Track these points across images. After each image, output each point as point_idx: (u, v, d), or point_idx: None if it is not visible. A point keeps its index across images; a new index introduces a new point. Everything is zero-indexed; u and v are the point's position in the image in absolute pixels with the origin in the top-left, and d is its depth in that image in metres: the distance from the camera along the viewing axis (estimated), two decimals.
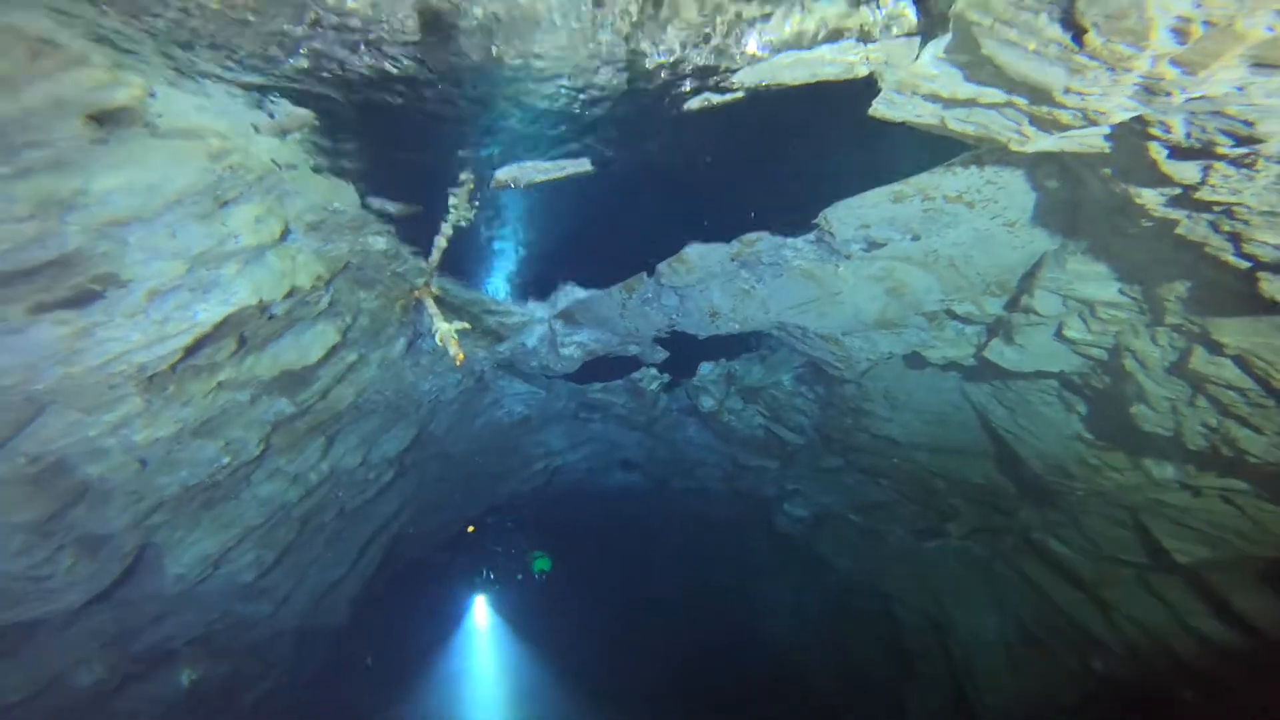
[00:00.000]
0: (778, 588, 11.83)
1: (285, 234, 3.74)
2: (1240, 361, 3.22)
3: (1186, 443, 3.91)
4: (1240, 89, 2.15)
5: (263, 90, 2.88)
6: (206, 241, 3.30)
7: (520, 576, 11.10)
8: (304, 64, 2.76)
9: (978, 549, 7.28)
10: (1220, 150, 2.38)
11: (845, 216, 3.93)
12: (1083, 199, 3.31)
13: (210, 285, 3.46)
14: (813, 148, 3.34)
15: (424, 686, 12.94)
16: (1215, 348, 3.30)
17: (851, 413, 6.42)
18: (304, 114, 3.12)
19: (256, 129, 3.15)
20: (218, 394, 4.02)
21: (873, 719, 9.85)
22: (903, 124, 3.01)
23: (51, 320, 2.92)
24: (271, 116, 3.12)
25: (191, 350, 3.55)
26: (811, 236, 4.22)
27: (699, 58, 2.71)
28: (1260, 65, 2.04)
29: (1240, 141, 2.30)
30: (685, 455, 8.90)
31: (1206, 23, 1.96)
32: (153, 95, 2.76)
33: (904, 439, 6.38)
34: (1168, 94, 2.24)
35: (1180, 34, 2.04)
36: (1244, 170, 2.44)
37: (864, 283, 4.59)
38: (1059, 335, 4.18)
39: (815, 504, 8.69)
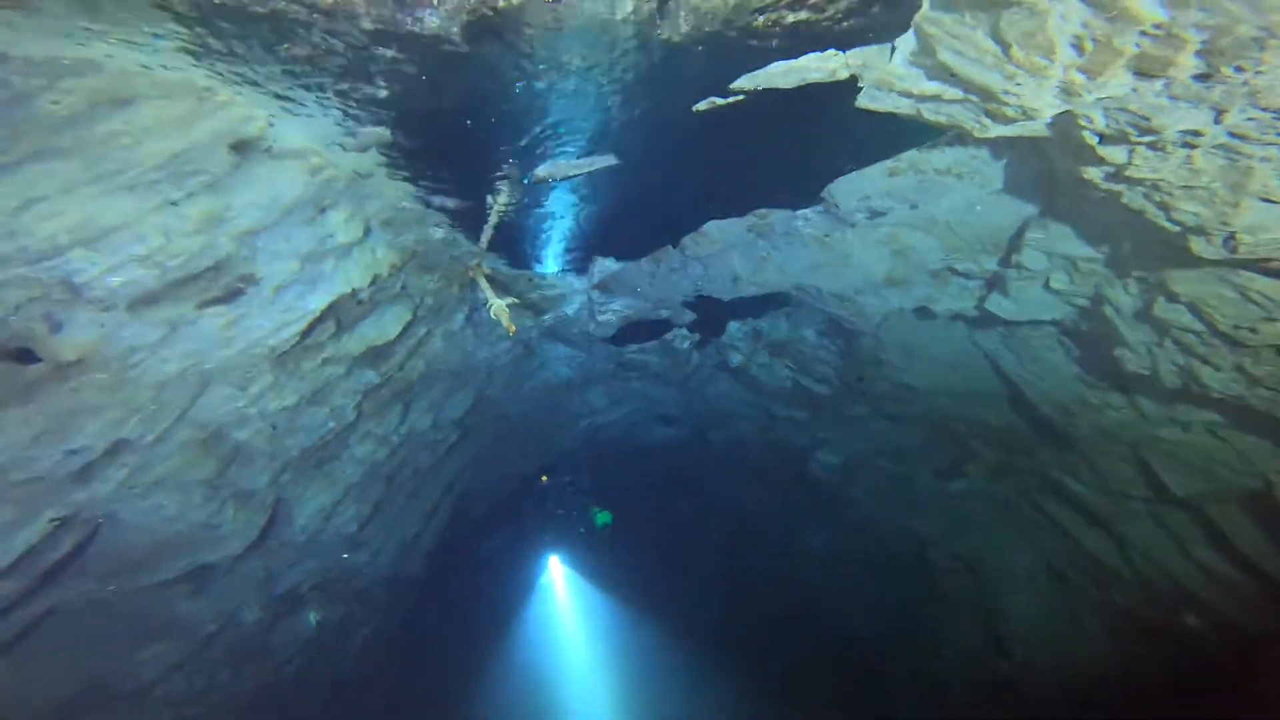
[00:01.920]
0: (814, 533, 12.68)
1: (367, 232, 4.66)
2: (1192, 308, 3.78)
3: (1164, 381, 4.47)
4: (1134, 90, 2.71)
5: (348, 114, 3.70)
6: (311, 243, 4.24)
7: (583, 531, 12.16)
8: (382, 93, 3.57)
9: (1002, 490, 7.87)
10: (1133, 138, 2.94)
11: (847, 190, 4.56)
12: (1053, 171, 3.84)
13: (316, 279, 4.43)
14: (811, 135, 3.98)
15: (506, 630, 14.57)
16: (1172, 296, 3.86)
17: (871, 363, 7.07)
18: (381, 131, 3.95)
19: (343, 147, 4.02)
20: (322, 368, 5.08)
21: (908, 657, 10.68)
22: (887, 113, 3.62)
23: (212, 313, 3.94)
24: (354, 136, 3.98)
25: (306, 333, 4.57)
26: (819, 209, 4.86)
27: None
28: (1140, 74, 2.61)
29: (1144, 132, 2.86)
30: (719, 409, 9.75)
31: (1094, 39, 2.54)
32: (272, 125, 3.64)
33: (922, 386, 7.01)
34: (1079, 95, 2.82)
35: (1078, 48, 2.63)
36: (1159, 153, 2.99)
37: (871, 246, 5.21)
38: (1047, 287, 4.74)
39: (845, 451, 9.42)
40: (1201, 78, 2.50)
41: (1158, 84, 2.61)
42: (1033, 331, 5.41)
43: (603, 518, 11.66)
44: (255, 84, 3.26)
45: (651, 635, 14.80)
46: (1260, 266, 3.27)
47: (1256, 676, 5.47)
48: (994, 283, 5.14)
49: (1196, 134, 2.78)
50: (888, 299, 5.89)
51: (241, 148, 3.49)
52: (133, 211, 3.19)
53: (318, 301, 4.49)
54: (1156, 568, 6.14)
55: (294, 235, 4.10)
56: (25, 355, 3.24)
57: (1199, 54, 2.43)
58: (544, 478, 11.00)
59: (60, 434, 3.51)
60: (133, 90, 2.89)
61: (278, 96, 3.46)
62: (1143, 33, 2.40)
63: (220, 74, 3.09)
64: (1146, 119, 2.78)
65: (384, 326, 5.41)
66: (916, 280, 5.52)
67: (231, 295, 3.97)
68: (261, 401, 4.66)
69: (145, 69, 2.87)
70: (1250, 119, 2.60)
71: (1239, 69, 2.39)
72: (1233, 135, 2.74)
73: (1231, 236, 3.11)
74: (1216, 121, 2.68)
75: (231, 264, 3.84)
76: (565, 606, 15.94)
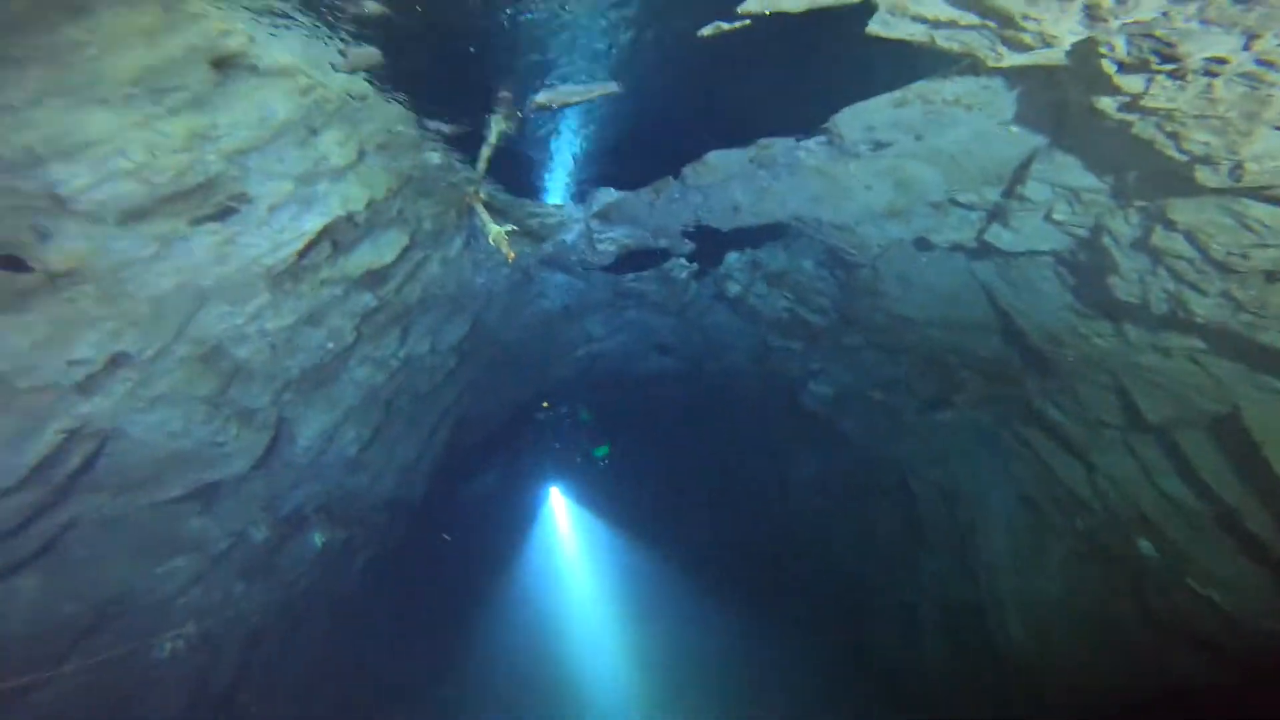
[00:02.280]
0: (803, 463, 13.16)
1: (361, 155, 4.53)
2: (1189, 236, 3.82)
3: (1152, 308, 4.57)
4: (1164, 14, 2.61)
5: (336, 32, 3.54)
6: (305, 164, 4.15)
7: (580, 460, 12.47)
8: (371, 8, 3.40)
9: (985, 419, 8.12)
10: (1154, 66, 2.85)
11: (852, 121, 4.43)
12: (1065, 101, 3.73)
13: (311, 200, 4.36)
14: (818, 63, 3.81)
15: (503, 557, 15.23)
16: (1170, 225, 3.88)
17: (868, 294, 7.11)
18: (371, 51, 3.78)
19: (333, 66, 3.86)
20: (320, 289, 5.08)
21: (886, 582, 11.33)
22: (898, 40, 3.46)
23: (205, 231, 3.90)
24: (344, 56, 3.81)
25: (302, 254, 4.54)
26: (822, 139, 4.73)
27: None
28: None
29: (1166, 59, 2.77)
30: (716, 339, 9.85)
31: None
32: (253, 41, 3.48)
33: (918, 316, 7.08)
34: (1105, 20, 2.70)
35: None
36: (1178, 82, 2.91)
37: (873, 177, 5.11)
38: (1048, 218, 4.72)
39: (838, 382, 9.61)
40: (1240, 0, 2.40)
41: (1191, 7, 2.51)
42: (1029, 262, 5.43)
43: (600, 450, 11.93)
44: None
45: (644, 561, 15.58)
46: (1262, 194, 3.29)
47: (1195, 598, 5.88)
48: (995, 214, 5.10)
49: (1221, 61, 2.70)
50: (887, 230, 5.85)
51: (223, 64, 3.35)
52: (112, 126, 3.09)
53: (313, 223, 4.44)
54: (1122, 495, 6.45)
55: (286, 156, 4.00)
56: (15, 263, 3.24)
57: None
58: (545, 404, 11.17)
59: (60, 343, 3.56)
60: None
61: (256, 10, 3.28)
62: None
63: None
64: (1172, 45, 2.69)
65: (381, 250, 5.36)
66: (917, 211, 5.46)
67: (224, 213, 3.91)
68: (259, 320, 4.69)
69: None
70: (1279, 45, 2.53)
71: None
72: (1260, 62, 2.66)
73: (1239, 165, 3.10)
74: (1245, 48, 2.60)
75: (222, 182, 3.76)
76: (562, 534, 16.66)
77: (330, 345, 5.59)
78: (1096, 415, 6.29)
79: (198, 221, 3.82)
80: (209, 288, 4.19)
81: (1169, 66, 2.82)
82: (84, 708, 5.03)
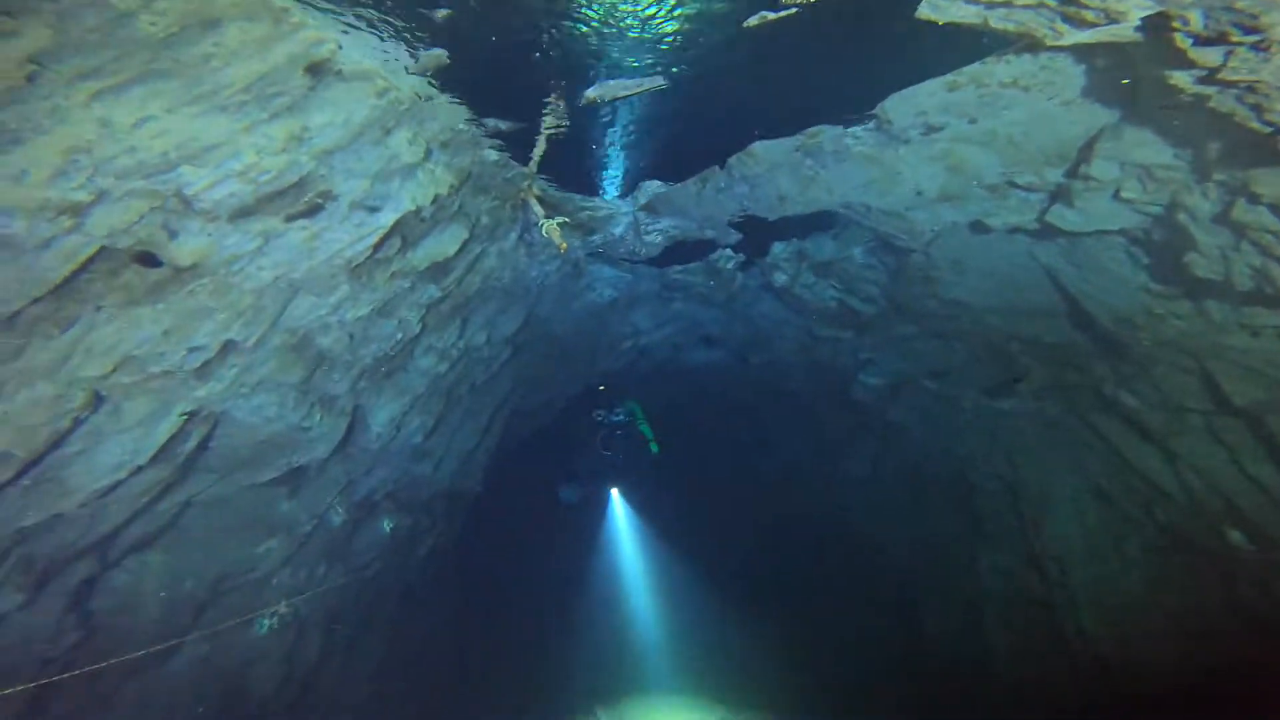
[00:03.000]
0: (854, 457, 12.99)
1: (428, 153, 4.86)
2: (1273, 208, 3.73)
3: (1235, 284, 4.45)
4: None
5: (410, 37, 3.85)
6: (380, 162, 4.50)
7: (623, 458, 12.25)
8: (441, 14, 3.68)
9: (1051, 408, 7.88)
10: (1234, 38, 2.84)
11: (901, 106, 4.47)
12: (1136, 77, 3.70)
13: (385, 196, 4.71)
14: (865, 49, 3.90)
15: (553, 550, 15.52)
16: (1254, 198, 3.80)
17: (921, 281, 7.07)
18: (439, 54, 4.08)
19: (405, 69, 4.18)
20: (391, 281, 5.46)
21: (942, 576, 11.08)
22: (950, 24, 3.52)
23: (297, 227, 4.29)
24: (415, 58, 4.13)
25: (377, 247, 4.91)
26: (871, 125, 4.79)
27: None
28: None
29: (1249, 30, 2.76)
30: (762, 330, 9.91)
31: None
32: (340, 48, 3.82)
33: (974, 302, 6.99)
34: None
35: None
36: (1261, 54, 2.89)
37: (924, 162, 5.13)
38: (1116, 197, 4.64)
39: (890, 372, 9.53)
40: None
41: None
42: (1097, 242, 5.31)
43: (652, 447, 11.65)
44: (327, 7, 3.42)
45: (689, 559, 15.63)
46: None
47: None
48: (1058, 194, 5.04)
49: None
50: (941, 214, 5.83)
51: (315, 70, 3.69)
52: (228, 130, 3.47)
53: (386, 218, 4.80)
54: (1206, 483, 6.19)
55: (365, 155, 4.35)
56: (150, 259, 3.68)
57: None
58: (601, 388, 11.17)
59: (183, 332, 4.00)
60: (217, 11, 3.10)
61: (344, 18, 3.61)
62: None
63: None
64: (1255, 16, 2.68)
65: (444, 243, 5.71)
66: (972, 195, 5.43)
67: (313, 210, 4.30)
68: (340, 310, 5.10)
69: None
70: None
71: None
72: None
73: None
74: None
75: (312, 181, 4.13)
76: (610, 532, 16.87)
77: (400, 335, 5.99)
78: (1177, 401, 6.05)
79: (291, 218, 4.21)
80: (299, 280, 4.60)
81: (1252, 38, 2.81)
82: (203, 680, 5.55)
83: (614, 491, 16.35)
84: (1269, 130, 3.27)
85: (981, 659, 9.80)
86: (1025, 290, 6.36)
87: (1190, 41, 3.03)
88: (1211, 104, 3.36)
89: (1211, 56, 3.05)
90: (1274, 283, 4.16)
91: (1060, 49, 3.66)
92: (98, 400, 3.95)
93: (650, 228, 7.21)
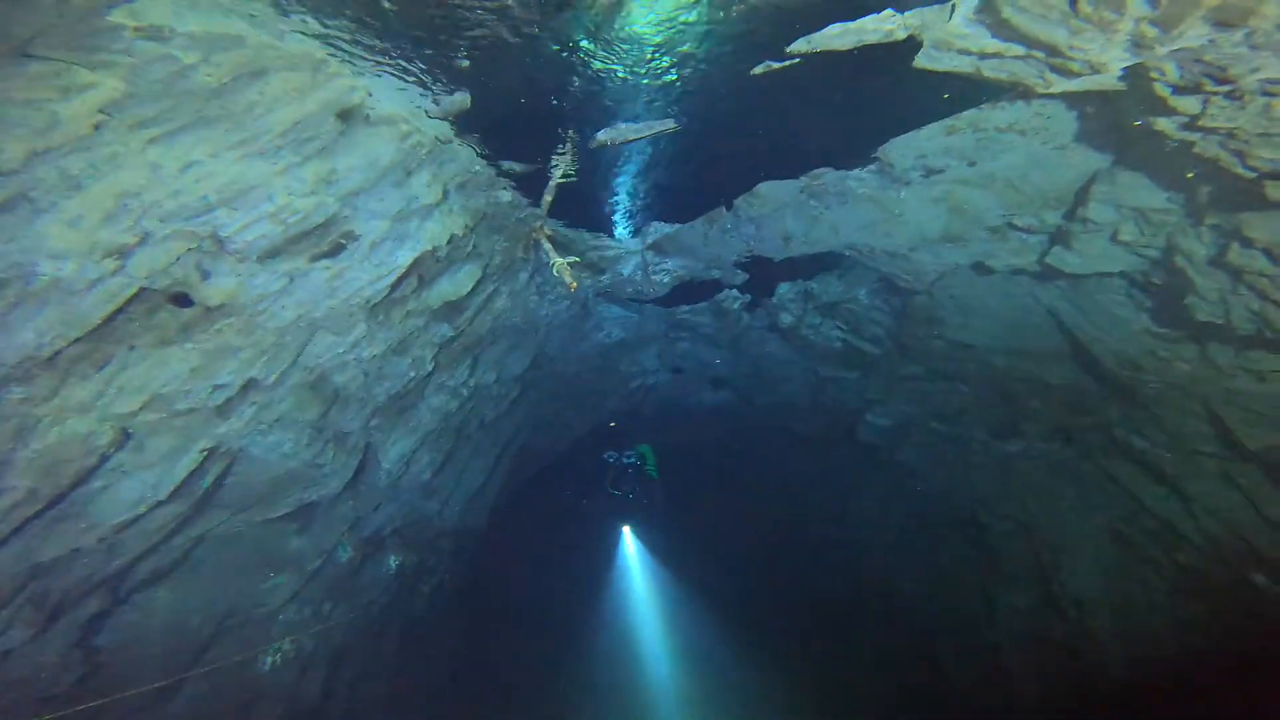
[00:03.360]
0: (863, 499, 12.86)
1: (445, 195, 5.08)
2: (1268, 252, 3.85)
3: (1236, 328, 4.53)
4: (1211, 41, 2.80)
5: (435, 83, 4.08)
6: (400, 203, 4.69)
7: (630, 495, 12.12)
8: (464, 64, 3.92)
9: (1062, 450, 7.91)
10: (1208, 88, 3.03)
11: (902, 150, 4.69)
12: (1124, 123, 3.90)
13: (404, 236, 4.90)
14: (866, 96, 4.13)
15: (560, 590, 15.25)
16: (1247, 242, 3.92)
17: (925, 322, 7.19)
18: (461, 99, 4.32)
19: (427, 114, 4.42)
20: (406, 320, 5.60)
21: (959, 620, 10.81)
22: (945, 72, 3.75)
23: (321, 266, 4.46)
24: (438, 104, 4.37)
25: (394, 287, 5.07)
26: (873, 168, 5.01)
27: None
28: (1220, 24, 2.70)
29: (1220, 81, 2.95)
30: (769, 371, 10.00)
31: None
32: (370, 94, 4.05)
33: (979, 344, 7.10)
34: (1151, 48, 2.92)
35: (1152, 1, 2.73)
36: (1236, 102, 3.07)
37: (926, 204, 5.33)
38: (1114, 239, 4.80)
39: (897, 413, 9.57)
40: None
41: (1238, 34, 2.71)
42: (1098, 285, 5.45)
43: (651, 468, 11.57)
44: (361, 56, 3.66)
45: (698, 601, 15.35)
46: None
47: None
48: (1057, 237, 5.20)
49: (1277, 82, 2.86)
50: (943, 256, 6.00)
51: (346, 115, 3.92)
52: (264, 174, 3.68)
53: (404, 257, 4.97)
54: (1224, 526, 6.16)
55: (387, 196, 4.56)
56: (183, 299, 3.82)
57: None
58: (611, 424, 11.20)
59: (209, 370, 4.12)
60: (266, 63, 3.34)
61: (377, 66, 3.86)
62: None
63: (335, 47, 3.51)
64: (1223, 69, 2.87)
65: (458, 283, 5.89)
66: (974, 236, 5.61)
67: (336, 250, 4.47)
68: (357, 349, 5.22)
69: (276, 43, 3.31)
70: None
71: None
72: None
73: None
74: None
75: (337, 222, 4.33)
76: (619, 571, 16.63)
77: (413, 374, 6.10)
78: (1188, 444, 6.10)
79: (315, 258, 4.38)
80: (319, 319, 4.74)
81: (1224, 88, 2.99)
82: (205, 717, 5.44)
83: (625, 529, 16.18)
84: (1253, 175, 3.42)
85: (1006, 705, 9.49)
86: (1029, 332, 6.47)
87: (1170, 90, 3.23)
88: (1196, 149, 3.54)
89: (1191, 105, 3.24)
90: (1274, 326, 4.24)
91: (1051, 96, 3.87)
92: (125, 437, 4.04)
93: (658, 267, 7.41)
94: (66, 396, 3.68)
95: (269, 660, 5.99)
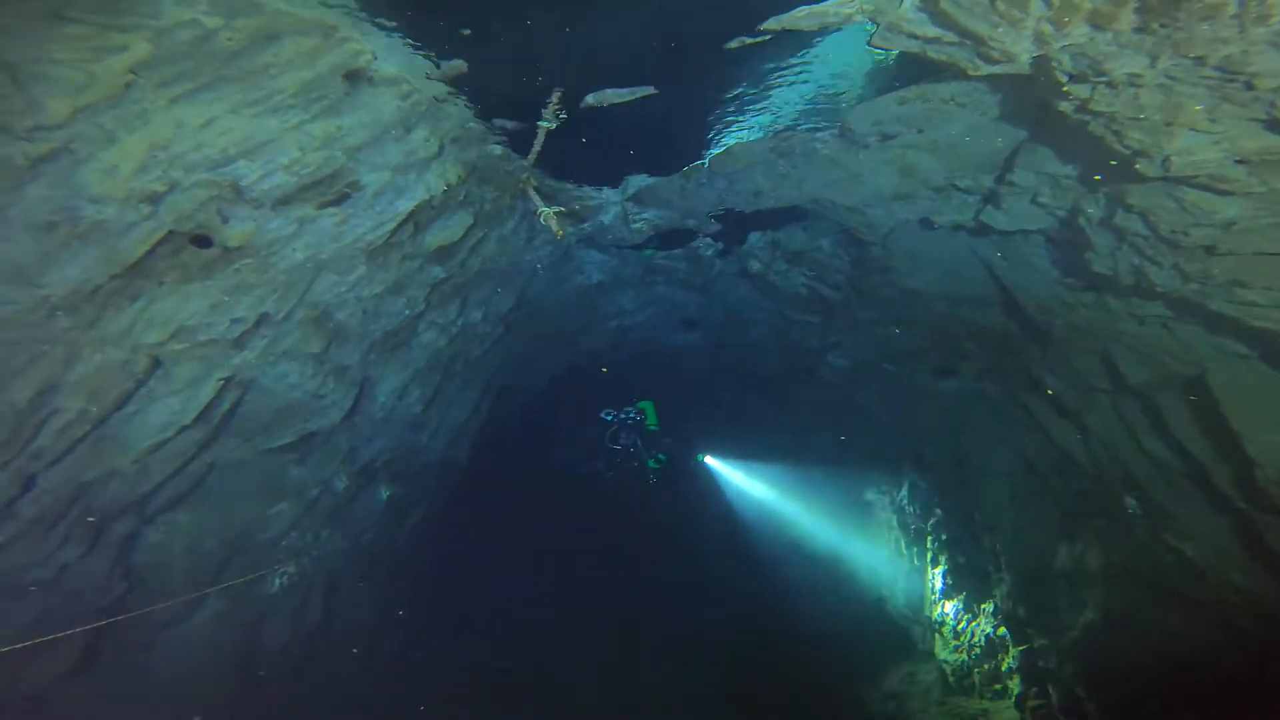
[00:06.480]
0: (822, 439, 13.92)
1: (441, 149, 5.46)
2: (1143, 216, 4.55)
3: (1121, 279, 5.28)
4: (1091, 39, 3.37)
5: (436, 49, 4.44)
6: (400, 157, 5.09)
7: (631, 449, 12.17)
8: (464, 31, 4.28)
9: (991, 389, 8.80)
10: (1092, 78, 3.60)
11: (861, 116, 5.20)
12: (1038, 103, 4.47)
13: (403, 187, 5.31)
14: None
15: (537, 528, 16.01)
16: (1128, 208, 4.62)
17: (880, 270, 7.87)
18: (459, 64, 4.68)
19: (428, 75, 4.77)
20: (403, 263, 6.07)
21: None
22: (897, 52, 4.23)
23: (328, 214, 4.89)
24: (438, 67, 4.72)
25: (393, 232, 5.51)
26: (835, 131, 5.51)
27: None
28: (1095, 25, 3.26)
29: (1099, 73, 3.53)
30: (738, 314, 10.67)
31: None
32: (375, 58, 4.39)
33: (925, 290, 7.83)
34: (1049, 42, 3.47)
35: (1047, 2, 3.27)
36: (1112, 90, 3.66)
37: (881, 165, 5.88)
38: (1034, 201, 5.45)
39: (854, 354, 10.39)
40: (1138, 30, 3.16)
41: (1108, 34, 3.27)
42: (1022, 240, 6.15)
43: (652, 463, 11.64)
44: (369, 22, 4.00)
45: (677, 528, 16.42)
46: (1190, 182, 4.02)
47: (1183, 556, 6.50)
48: (989, 197, 5.84)
49: (1138, 75, 3.45)
50: (895, 211, 6.60)
51: (352, 77, 4.28)
52: (277, 129, 4.06)
53: (404, 206, 5.41)
54: (1110, 455, 7.13)
55: (388, 150, 4.95)
56: (204, 241, 4.26)
57: (1135, 10, 3.08)
58: (603, 369, 11.41)
59: (228, 305, 4.60)
60: (281, 28, 3.68)
61: (384, 32, 4.19)
62: None
63: (347, 13, 3.84)
64: (1100, 62, 3.44)
65: (451, 229, 6.33)
66: (921, 195, 6.21)
67: (342, 199, 4.89)
68: (358, 288, 5.70)
69: (291, 10, 3.64)
70: (1176, 64, 3.27)
71: (1163, 24, 3.05)
72: (1168, 77, 3.41)
73: (1166, 159, 3.84)
74: (1152, 65, 3.35)
75: (343, 174, 4.73)
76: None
77: (407, 312, 6.60)
78: (1088, 380, 6.94)
79: (323, 206, 4.81)
80: (325, 260, 5.20)
81: (1103, 79, 3.58)
82: (222, 633, 6.15)
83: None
84: (1128, 153, 4.06)
85: None
86: (967, 281, 7.20)
87: (1067, 78, 3.79)
88: (1090, 129, 4.15)
89: (1083, 91, 3.81)
90: (1147, 278, 5.01)
91: (981, 78, 4.40)
92: (155, 365, 4.53)
93: (637, 217, 7.88)
94: (105, 327, 4.15)
95: (275, 581, 6.69)
